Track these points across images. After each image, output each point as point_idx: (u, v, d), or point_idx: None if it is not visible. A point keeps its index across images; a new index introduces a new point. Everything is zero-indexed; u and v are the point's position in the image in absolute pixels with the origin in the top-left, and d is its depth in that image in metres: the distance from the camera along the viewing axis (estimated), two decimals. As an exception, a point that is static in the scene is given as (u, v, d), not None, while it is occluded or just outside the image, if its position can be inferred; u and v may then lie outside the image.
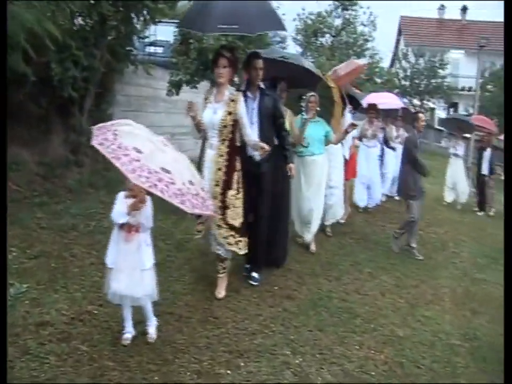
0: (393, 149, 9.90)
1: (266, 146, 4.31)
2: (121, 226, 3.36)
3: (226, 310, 4.23)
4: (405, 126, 10.94)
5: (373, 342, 4.17)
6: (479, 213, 11.22)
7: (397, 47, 35.24)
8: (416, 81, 28.08)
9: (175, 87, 8.67)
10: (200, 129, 4.34)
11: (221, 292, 4.48)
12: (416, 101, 27.94)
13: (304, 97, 6.04)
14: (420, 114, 7.15)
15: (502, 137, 13.99)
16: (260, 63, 4.67)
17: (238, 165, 4.37)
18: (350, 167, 7.63)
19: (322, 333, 4.14)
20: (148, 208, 3.38)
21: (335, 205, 6.90)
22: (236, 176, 4.34)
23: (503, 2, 4.93)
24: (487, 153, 11.34)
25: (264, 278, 5.02)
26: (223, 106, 4.26)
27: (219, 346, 3.67)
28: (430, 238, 8.00)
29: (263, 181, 4.77)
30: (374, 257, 6.45)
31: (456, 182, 11.34)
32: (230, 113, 4.24)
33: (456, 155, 11.47)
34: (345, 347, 3.99)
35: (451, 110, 27.93)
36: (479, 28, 31.78)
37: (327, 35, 29.49)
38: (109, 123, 3.17)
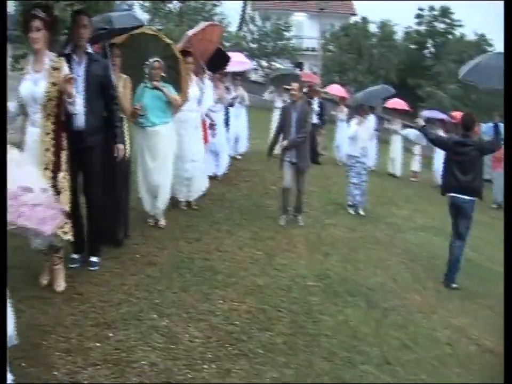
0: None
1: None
2: None
3: (89, 285, 4.18)
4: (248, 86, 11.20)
5: (235, 294, 4.40)
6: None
7: (244, 10, 35.72)
8: (264, 43, 28.89)
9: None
10: None
11: (61, 284, 4.04)
12: (264, 63, 28.81)
13: (147, 63, 5.56)
14: (293, 84, 6.81)
15: (328, 89, 15.24)
16: (83, 19, 4.12)
17: (65, 143, 3.93)
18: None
19: (187, 293, 4.27)
20: None
21: (199, 177, 6.51)
22: (64, 155, 3.92)
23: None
24: (315, 105, 12.19)
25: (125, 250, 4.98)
26: (44, 76, 3.76)
27: (86, 321, 3.65)
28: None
29: (92, 158, 4.26)
30: (230, 215, 6.66)
31: None
32: (54, 84, 3.75)
33: (277, 108, 11.49)
34: (209, 303, 4.17)
35: (297, 69, 29.20)
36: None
37: (175, 1, 29.00)
38: None
